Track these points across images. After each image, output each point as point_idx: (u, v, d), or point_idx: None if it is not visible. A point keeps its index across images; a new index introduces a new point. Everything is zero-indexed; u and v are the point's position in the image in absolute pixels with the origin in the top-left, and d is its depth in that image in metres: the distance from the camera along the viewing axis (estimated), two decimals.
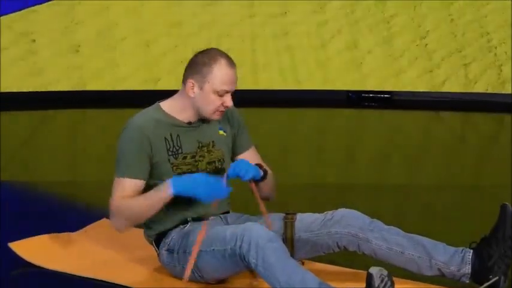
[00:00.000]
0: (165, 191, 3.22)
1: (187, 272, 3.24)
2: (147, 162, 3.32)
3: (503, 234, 3.22)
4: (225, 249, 3.15)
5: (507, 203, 3.26)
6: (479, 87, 7.38)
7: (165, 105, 3.40)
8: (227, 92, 3.31)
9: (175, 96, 3.42)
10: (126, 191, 3.28)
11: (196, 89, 3.32)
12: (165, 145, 3.34)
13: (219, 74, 3.29)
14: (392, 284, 2.99)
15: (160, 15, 7.51)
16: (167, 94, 3.44)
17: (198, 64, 3.32)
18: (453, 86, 7.43)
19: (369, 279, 2.95)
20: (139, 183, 3.30)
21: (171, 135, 3.35)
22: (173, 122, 3.37)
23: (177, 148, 3.36)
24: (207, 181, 3.23)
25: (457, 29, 7.50)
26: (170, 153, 3.34)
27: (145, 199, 3.27)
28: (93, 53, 7.47)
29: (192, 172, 3.34)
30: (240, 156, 3.49)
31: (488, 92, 7.37)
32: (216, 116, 3.36)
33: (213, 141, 3.43)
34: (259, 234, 3.08)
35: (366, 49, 7.49)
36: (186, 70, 3.36)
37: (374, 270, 2.97)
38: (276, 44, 7.51)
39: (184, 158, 3.37)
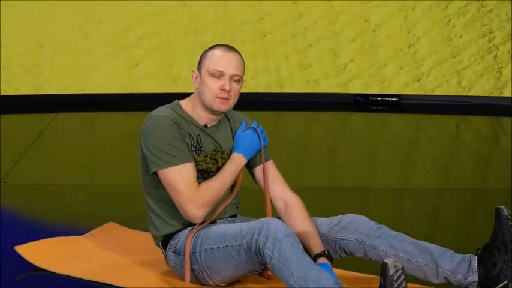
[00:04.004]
0: (240, 162, 3.38)
1: (187, 276, 3.26)
2: (187, 146, 3.35)
3: (503, 240, 3.20)
4: (240, 243, 3.15)
5: (501, 206, 3.24)
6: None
7: (184, 104, 3.44)
8: (222, 73, 3.34)
9: (191, 96, 3.46)
10: (189, 177, 3.29)
11: (198, 79, 3.39)
12: (190, 140, 3.37)
13: (212, 57, 3.37)
14: (406, 277, 3.00)
15: None
16: None
17: (200, 57, 3.42)
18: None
19: (384, 268, 2.99)
20: (193, 166, 3.32)
21: (193, 133, 3.38)
22: (192, 121, 3.40)
23: (199, 146, 3.38)
24: (252, 136, 3.43)
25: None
26: (194, 148, 3.37)
27: (225, 176, 3.34)
28: None
29: (210, 170, 3.37)
30: (256, 169, 3.49)
31: None
32: (217, 104, 3.35)
33: (227, 150, 3.44)
34: (277, 228, 3.09)
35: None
36: None
37: (389, 260, 3.01)
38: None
39: (205, 156, 3.39)
